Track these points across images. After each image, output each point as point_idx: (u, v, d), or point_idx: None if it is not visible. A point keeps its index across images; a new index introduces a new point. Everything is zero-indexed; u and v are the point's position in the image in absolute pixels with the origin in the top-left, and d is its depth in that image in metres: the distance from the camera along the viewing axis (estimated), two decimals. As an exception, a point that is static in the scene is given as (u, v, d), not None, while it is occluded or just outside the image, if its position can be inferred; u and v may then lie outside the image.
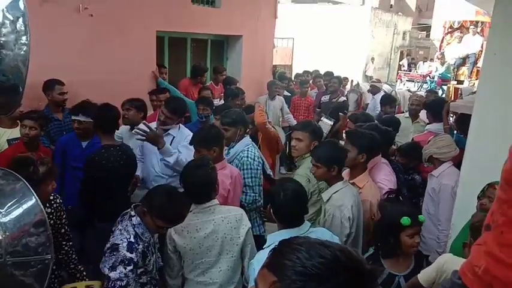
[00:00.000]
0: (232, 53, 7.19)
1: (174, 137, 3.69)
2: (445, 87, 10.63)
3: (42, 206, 1.43)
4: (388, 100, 5.78)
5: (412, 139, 4.16)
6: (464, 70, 11.13)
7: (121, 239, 2.05)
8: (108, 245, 2.03)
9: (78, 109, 3.41)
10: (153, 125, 3.72)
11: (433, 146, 3.40)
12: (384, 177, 3.13)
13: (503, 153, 2.68)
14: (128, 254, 2.02)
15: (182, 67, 6.37)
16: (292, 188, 2.14)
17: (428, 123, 4.89)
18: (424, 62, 19.58)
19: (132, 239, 2.07)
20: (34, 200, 1.44)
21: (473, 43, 11.07)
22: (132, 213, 2.15)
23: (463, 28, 11.71)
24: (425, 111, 4.74)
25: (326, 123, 5.25)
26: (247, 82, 6.82)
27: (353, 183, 2.89)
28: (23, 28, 1.21)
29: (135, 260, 2.05)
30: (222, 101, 5.61)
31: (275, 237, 2.08)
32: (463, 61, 11.23)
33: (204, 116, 4.52)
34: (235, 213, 2.43)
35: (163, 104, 3.81)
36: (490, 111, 2.75)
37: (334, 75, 7.59)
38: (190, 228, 2.30)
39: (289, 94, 7.37)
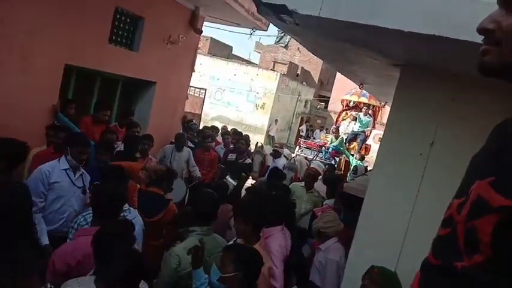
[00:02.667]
0: (143, 98, 7.02)
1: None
2: (337, 159, 11.58)
3: None
4: (277, 175, 5.91)
5: (313, 212, 4.40)
6: (355, 145, 12.30)
7: None
8: None
9: None
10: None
11: (320, 221, 3.65)
12: (277, 248, 3.21)
13: (390, 240, 2.96)
14: None
15: (87, 104, 6.02)
16: None
17: (326, 194, 5.26)
18: (320, 130, 21.32)
19: None
20: None
21: (364, 123, 12.39)
22: None
23: (357, 108, 13.09)
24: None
25: (230, 183, 5.32)
26: (155, 129, 6.66)
27: None
28: None
29: None
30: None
31: None
32: (355, 137, 12.43)
33: (102, 161, 4.29)
34: None
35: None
36: (380, 200, 3.04)
37: (242, 134, 7.83)
38: None
39: (193, 146, 7.33)
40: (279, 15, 2.37)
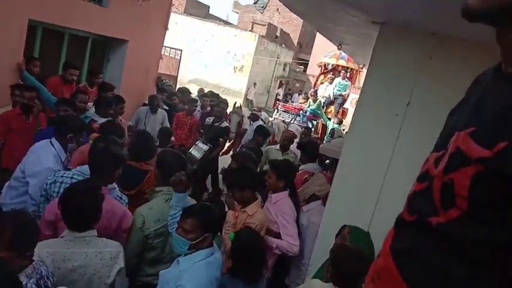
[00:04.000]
0: (115, 57, 6.75)
1: None
2: (314, 122, 11.58)
3: None
4: (262, 131, 6.08)
5: None
6: (332, 109, 12.31)
7: None
8: None
9: None
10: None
11: (314, 185, 3.63)
12: (289, 209, 3.34)
13: (362, 201, 2.98)
14: None
15: (55, 63, 5.73)
16: None
17: (300, 159, 5.23)
18: (299, 94, 21.23)
19: None
20: None
21: (341, 86, 12.36)
22: None
23: (335, 71, 12.97)
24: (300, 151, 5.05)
25: (200, 148, 5.21)
26: (127, 89, 6.45)
27: (244, 211, 3.10)
28: None
29: None
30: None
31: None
32: (332, 101, 12.42)
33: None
34: (112, 249, 2.20)
35: None
36: (355, 161, 3.03)
37: (219, 96, 7.66)
38: (57, 256, 2.02)
39: (167, 108, 7.15)
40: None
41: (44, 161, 3.04)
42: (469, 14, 0.71)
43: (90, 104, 5.33)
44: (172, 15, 7.99)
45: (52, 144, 3.20)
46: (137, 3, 6.40)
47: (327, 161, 4.69)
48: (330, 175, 4.20)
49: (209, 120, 6.82)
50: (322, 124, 11.29)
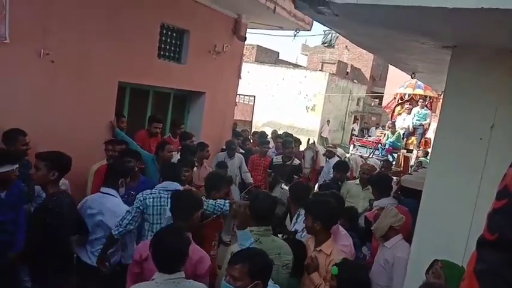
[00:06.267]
0: (194, 108, 7.23)
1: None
2: (395, 155, 11.12)
3: None
4: (342, 167, 6.01)
5: (365, 217, 4.25)
6: (413, 140, 11.78)
7: None
8: None
9: None
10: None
11: (389, 217, 3.45)
12: (342, 243, 3.29)
13: (452, 232, 2.79)
14: None
15: (142, 119, 6.29)
16: None
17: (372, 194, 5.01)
18: (376, 127, 20.68)
19: None
20: None
21: (421, 116, 11.84)
22: None
23: (412, 101, 12.52)
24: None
25: (286, 191, 5.21)
26: (207, 137, 6.81)
27: (320, 251, 3.01)
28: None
29: None
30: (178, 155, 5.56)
31: None
32: (412, 131, 11.92)
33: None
34: None
35: None
36: (440, 190, 2.88)
37: (292, 136, 7.75)
38: None
39: (243, 151, 7.40)
40: (316, 7, 2.33)
41: (118, 212, 3.30)
42: None
43: (174, 152, 5.74)
44: (244, 64, 8.42)
45: (107, 194, 3.38)
46: (211, 57, 6.87)
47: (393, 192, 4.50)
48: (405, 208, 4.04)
49: (277, 159, 6.88)
50: (404, 156, 10.80)
